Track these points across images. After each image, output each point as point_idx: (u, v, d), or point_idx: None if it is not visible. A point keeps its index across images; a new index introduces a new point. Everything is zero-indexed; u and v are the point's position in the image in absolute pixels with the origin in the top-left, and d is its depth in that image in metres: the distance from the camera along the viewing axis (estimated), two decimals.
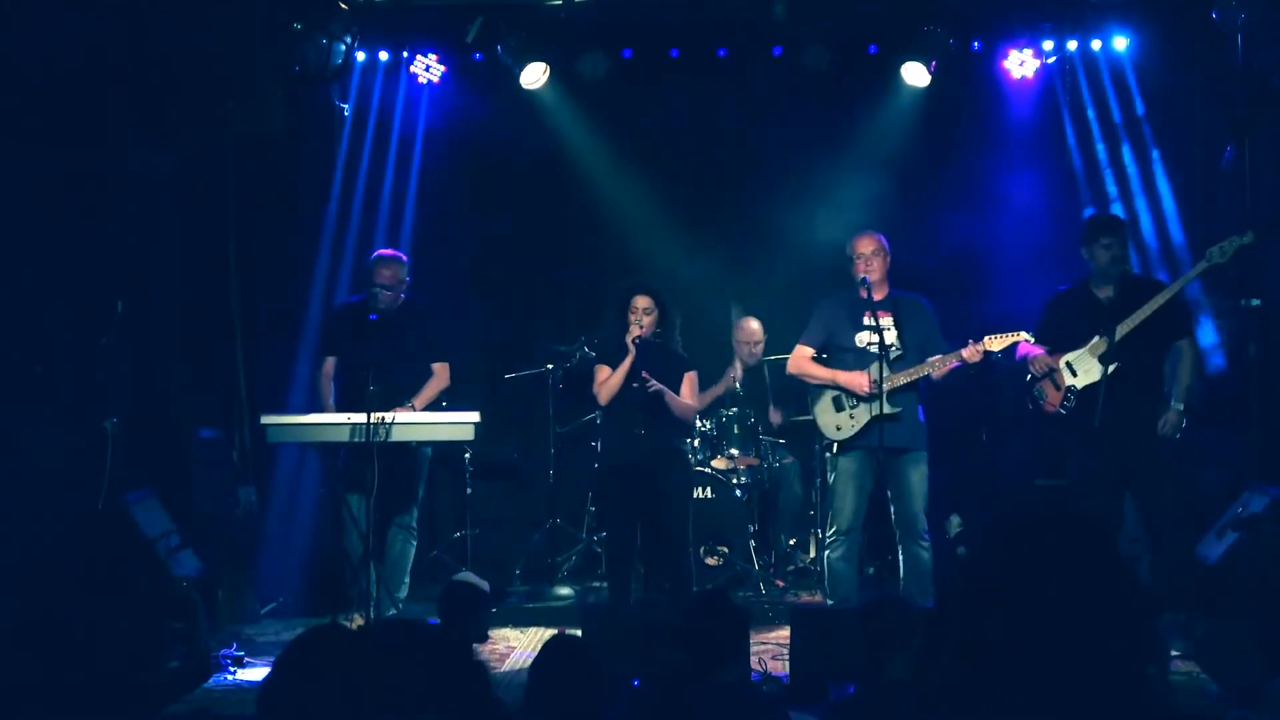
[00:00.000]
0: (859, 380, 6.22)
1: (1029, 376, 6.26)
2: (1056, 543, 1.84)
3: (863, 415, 6.26)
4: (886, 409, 6.14)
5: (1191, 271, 6.04)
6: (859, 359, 6.30)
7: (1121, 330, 5.92)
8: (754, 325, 8.06)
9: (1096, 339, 5.97)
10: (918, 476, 6.26)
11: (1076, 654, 1.77)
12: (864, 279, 6.21)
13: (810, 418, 6.62)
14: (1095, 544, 1.84)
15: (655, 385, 6.12)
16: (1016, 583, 1.83)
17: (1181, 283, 6.06)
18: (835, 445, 6.40)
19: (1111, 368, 5.93)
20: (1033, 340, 6.20)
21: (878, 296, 6.30)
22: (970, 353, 6.12)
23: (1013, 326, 6.30)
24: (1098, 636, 1.78)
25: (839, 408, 6.33)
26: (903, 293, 6.43)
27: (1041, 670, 1.78)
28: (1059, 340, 6.15)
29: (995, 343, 6.13)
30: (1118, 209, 7.67)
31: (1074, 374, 6.04)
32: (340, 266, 7.84)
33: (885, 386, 6.16)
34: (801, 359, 6.47)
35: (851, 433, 6.29)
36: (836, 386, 6.32)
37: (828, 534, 6.43)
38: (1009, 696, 1.81)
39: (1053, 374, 6.15)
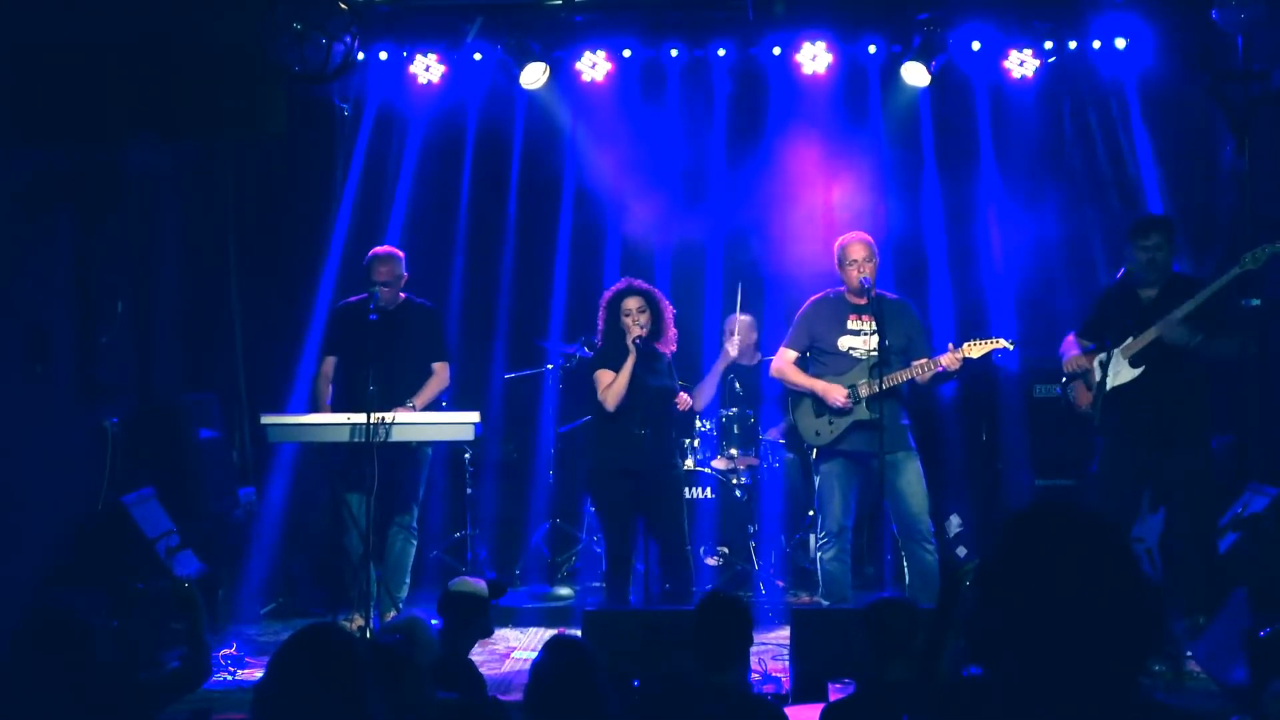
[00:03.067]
0: (835, 394, 6.21)
1: (1063, 377, 6.26)
2: (1068, 538, 1.84)
3: (842, 422, 6.28)
4: (866, 415, 6.15)
5: (1224, 277, 5.86)
6: (840, 364, 6.31)
7: (1150, 335, 5.89)
8: (745, 318, 8.08)
9: (1130, 340, 5.94)
10: (910, 478, 6.24)
11: (1083, 650, 1.77)
12: (864, 281, 6.21)
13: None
14: (1107, 541, 1.83)
15: (687, 402, 6.47)
16: (1026, 578, 1.82)
17: (1212, 288, 5.86)
18: (816, 450, 6.42)
19: (1139, 370, 5.91)
20: (1074, 335, 6.20)
21: (865, 300, 6.28)
22: (949, 359, 6.11)
23: (1008, 329, 6.31)
24: (1105, 633, 1.78)
25: (818, 413, 6.33)
26: (888, 295, 6.41)
27: (1048, 666, 1.78)
28: (1100, 335, 6.12)
29: (975, 349, 6.12)
30: (1116, 209, 7.67)
31: (1105, 375, 6.00)
32: (340, 266, 7.83)
33: (863, 393, 6.16)
34: (784, 363, 6.48)
35: (831, 438, 6.30)
36: (814, 394, 6.32)
37: (819, 536, 6.44)
38: (1014, 692, 1.81)
39: (1085, 374, 6.13)
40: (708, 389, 7.92)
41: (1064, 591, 1.78)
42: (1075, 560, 1.80)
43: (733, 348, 7.83)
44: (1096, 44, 7.61)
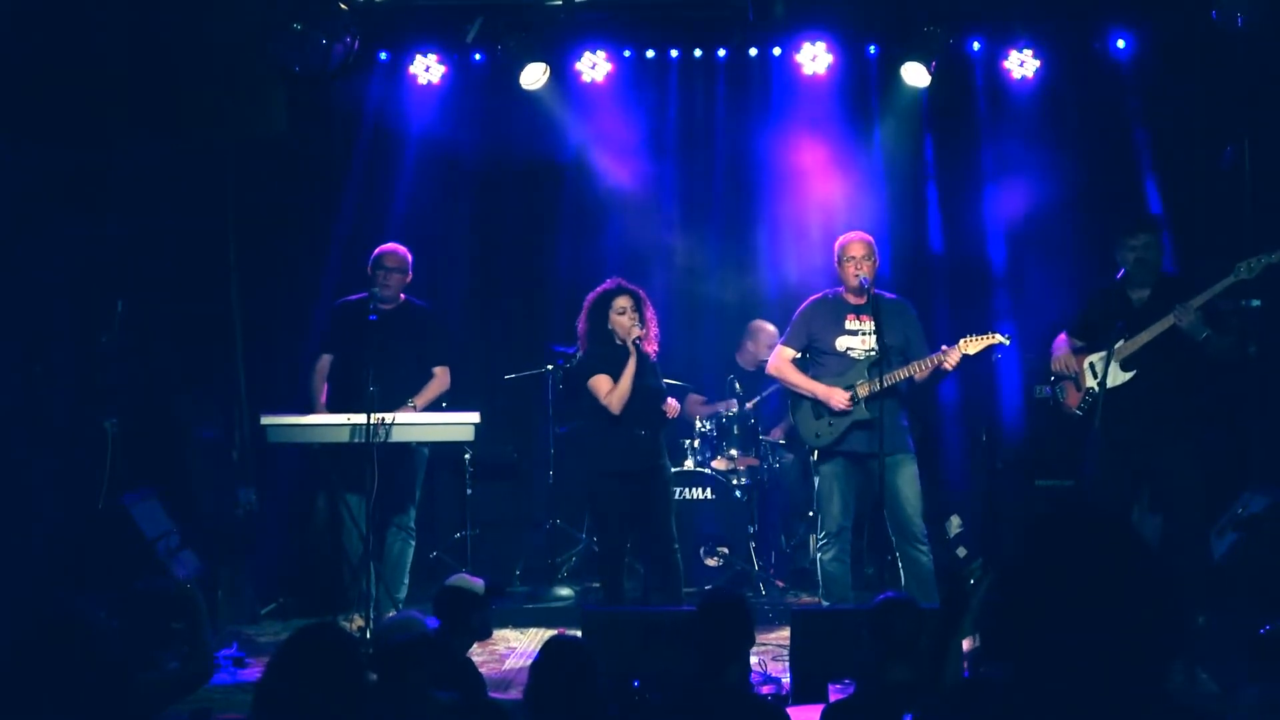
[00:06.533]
0: (835, 397, 6.21)
1: (1051, 375, 6.25)
2: (1094, 539, 1.84)
3: (841, 423, 6.26)
4: (865, 415, 6.14)
5: (1218, 285, 5.77)
6: (838, 363, 6.30)
7: (1144, 338, 5.87)
8: (771, 328, 7.99)
9: (1121, 342, 5.92)
10: (906, 480, 6.22)
11: (1110, 651, 1.77)
12: (863, 281, 6.20)
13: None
14: (1132, 543, 1.83)
15: (675, 407, 6.35)
16: (1053, 579, 1.82)
17: (1206, 295, 5.77)
18: (816, 451, 6.41)
19: (1130, 374, 5.89)
20: (1067, 334, 6.20)
21: (863, 300, 6.28)
22: (946, 359, 6.08)
23: (1007, 330, 6.30)
24: (1132, 633, 1.78)
25: (817, 414, 6.32)
26: (886, 296, 6.39)
27: (1075, 666, 1.78)
28: (1092, 337, 6.10)
29: (972, 345, 6.10)
30: (1116, 210, 7.66)
31: (1095, 376, 5.96)
32: (340, 266, 7.83)
33: (861, 393, 6.16)
34: (782, 362, 6.46)
35: (830, 439, 6.29)
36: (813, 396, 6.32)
37: (819, 537, 6.44)
38: (1037, 693, 1.81)
39: (1074, 375, 6.11)
40: (706, 409, 7.93)
41: (1091, 592, 1.78)
42: (1102, 561, 1.81)
43: (745, 361, 7.84)
44: (1096, 44, 7.61)
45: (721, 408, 7.89)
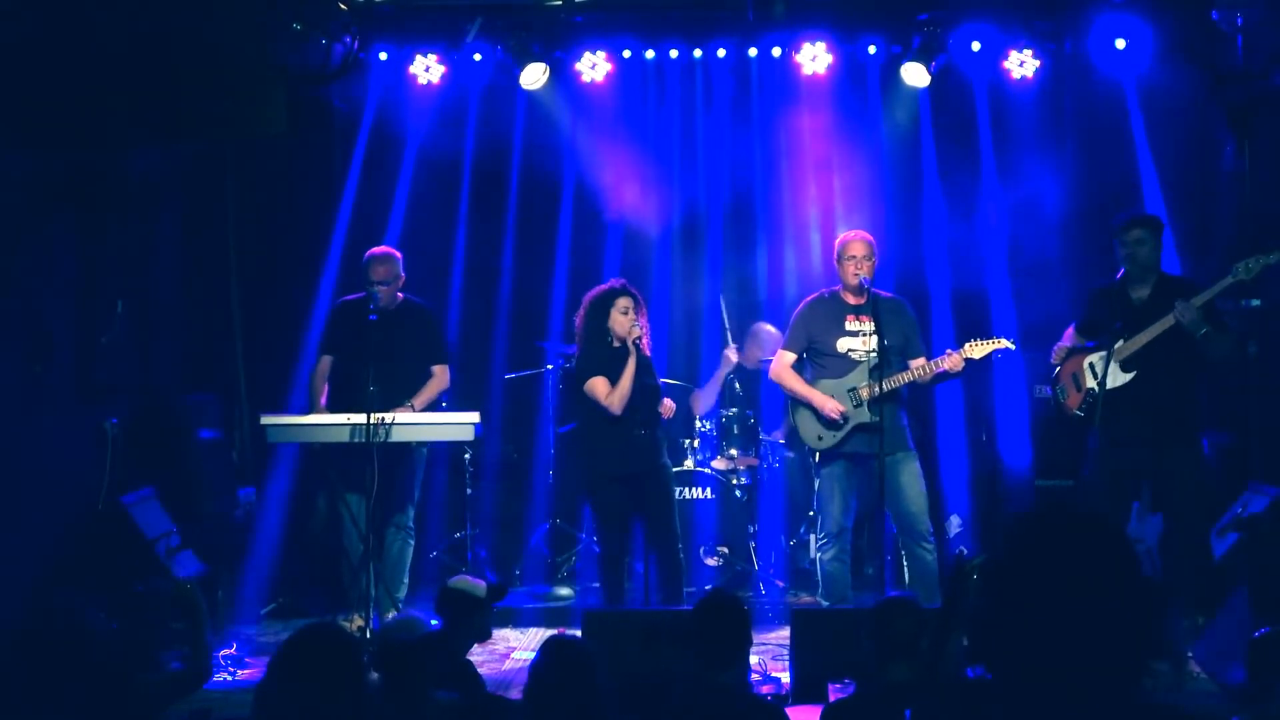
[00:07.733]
0: (830, 408, 6.21)
1: (1054, 374, 6.25)
2: (1072, 539, 1.84)
3: (844, 426, 6.26)
4: (868, 417, 6.14)
5: (1217, 286, 5.78)
6: (839, 365, 6.30)
7: (1144, 338, 5.86)
8: (771, 329, 7.98)
9: (1121, 343, 5.91)
10: (909, 477, 6.23)
11: (1086, 650, 1.78)
12: (862, 281, 6.20)
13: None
14: (1110, 542, 1.84)
15: (670, 408, 6.41)
16: (1029, 578, 1.83)
17: (1205, 295, 5.78)
18: (818, 453, 6.41)
19: (1130, 375, 5.88)
20: (1072, 332, 6.20)
21: (862, 300, 6.28)
22: (951, 362, 6.09)
23: (1008, 330, 6.30)
24: (1108, 633, 1.78)
25: (818, 418, 6.32)
26: (883, 294, 6.39)
27: (1051, 666, 1.79)
28: (1095, 336, 6.09)
29: (976, 350, 6.10)
30: (1116, 210, 7.66)
31: (1095, 376, 5.96)
32: (340, 267, 7.82)
33: (864, 395, 6.16)
34: (781, 367, 6.46)
35: (832, 442, 6.29)
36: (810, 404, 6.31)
37: (819, 537, 6.44)
38: (1016, 692, 1.81)
39: (1075, 375, 6.11)
40: (709, 394, 7.92)
41: (1067, 592, 1.79)
42: (1079, 561, 1.81)
43: (733, 354, 7.81)
44: (1096, 44, 7.61)
45: (716, 384, 7.84)
